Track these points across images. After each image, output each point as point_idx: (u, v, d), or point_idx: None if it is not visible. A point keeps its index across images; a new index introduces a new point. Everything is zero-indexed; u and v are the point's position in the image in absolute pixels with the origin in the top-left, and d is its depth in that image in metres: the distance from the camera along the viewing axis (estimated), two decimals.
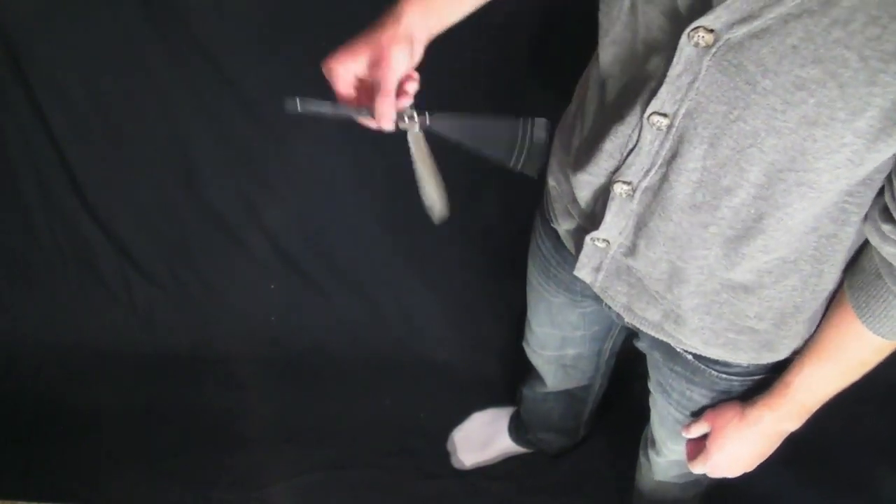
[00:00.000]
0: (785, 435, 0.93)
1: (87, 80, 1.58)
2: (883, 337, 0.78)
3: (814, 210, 0.71)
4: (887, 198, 0.70)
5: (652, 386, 1.09)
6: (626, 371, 1.41)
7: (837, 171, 0.66)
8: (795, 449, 1.65)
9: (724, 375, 0.93)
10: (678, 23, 0.66)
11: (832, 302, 0.84)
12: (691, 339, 0.89)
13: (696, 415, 1.01)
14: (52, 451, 1.75)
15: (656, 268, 0.83)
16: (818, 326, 0.85)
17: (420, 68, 0.83)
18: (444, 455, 1.73)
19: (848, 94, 0.59)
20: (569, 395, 1.43)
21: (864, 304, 0.78)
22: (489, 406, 1.75)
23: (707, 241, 0.77)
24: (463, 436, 1.73)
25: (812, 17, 0.58)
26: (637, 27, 0.71)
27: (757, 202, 0.72)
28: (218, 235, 1.80)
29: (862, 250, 0.79)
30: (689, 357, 0.94)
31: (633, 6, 0.71)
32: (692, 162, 0.71)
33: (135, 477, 1.71)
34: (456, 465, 1.71)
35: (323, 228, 1.79)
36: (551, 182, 0.96)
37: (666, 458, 1.19)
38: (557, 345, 1.27)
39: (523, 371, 1.50)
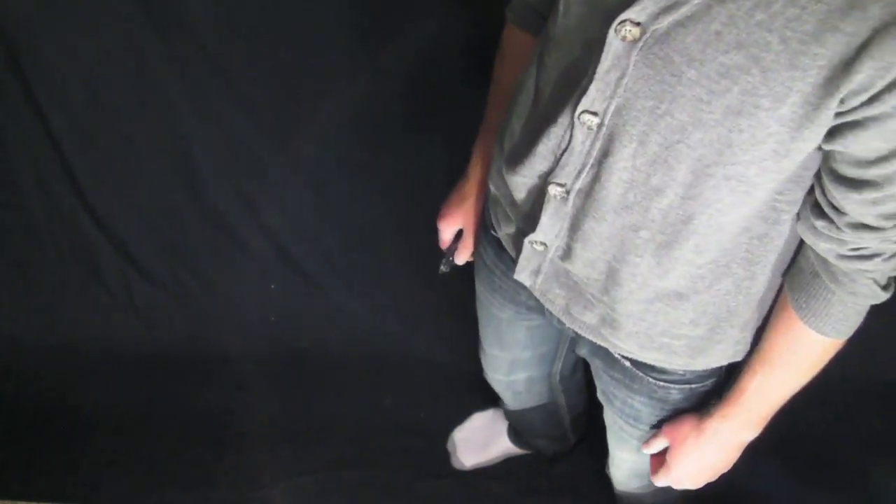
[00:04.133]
0: (744, 445, 0.92)
1: (87, 80, 1.58)
2: (826, 336, 0.78)
3: (744, 209, 0.72)
4: (817, 194, 0.71)
5: (599, 396, 1.09)
6: None
7: (764, 163, 0.66)
8: (795, 449, 1.66)
9: (660, 383, 0.93)
10: (607, 18, 0.66)
11: (776, 306, 0.84)
12: (627, 344, 0.89)
13: (640, 423, 1.01)
14: (52, 451, 1.75)
15: (595, 268, 0.83)
16: (766, 332, 0.85)
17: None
18: (444, 455, 1.73)
19: (770, 79, 0.60)
20: (540, 410, 1.43)
21: (804, 305, 0.78)
22: (489, 406, 1.75)
23: (639, 248, 0.77)
24: (463, 436, 1.73)
25: (735, 1, 0.59)
26: (571, 28, 0.73)
27: (686, 203, 0.72)
28: (218, 235, 1.80)
29: (798, 251, 0.79)
30: (627, 364, 0.94)
31: (567, 7, 0.73)
32: (622, 161, 0.72)
33: (135, 477, 1.71)
34: (456, 465, 1.71)
35: (323, 228, 1.79)
36: (492, 188, 0.96)
37: (619, 469, 1.20)
38: (506, 369, 1.28)
39: None
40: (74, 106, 1.62)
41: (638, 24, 0.64)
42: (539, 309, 1.00)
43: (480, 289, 1.15)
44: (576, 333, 0.95)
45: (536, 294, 0.94)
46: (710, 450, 0.93)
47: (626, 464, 1.16)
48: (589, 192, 0.77)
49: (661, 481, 1.01)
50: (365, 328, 1.87)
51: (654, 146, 0.69)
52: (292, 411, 1.79)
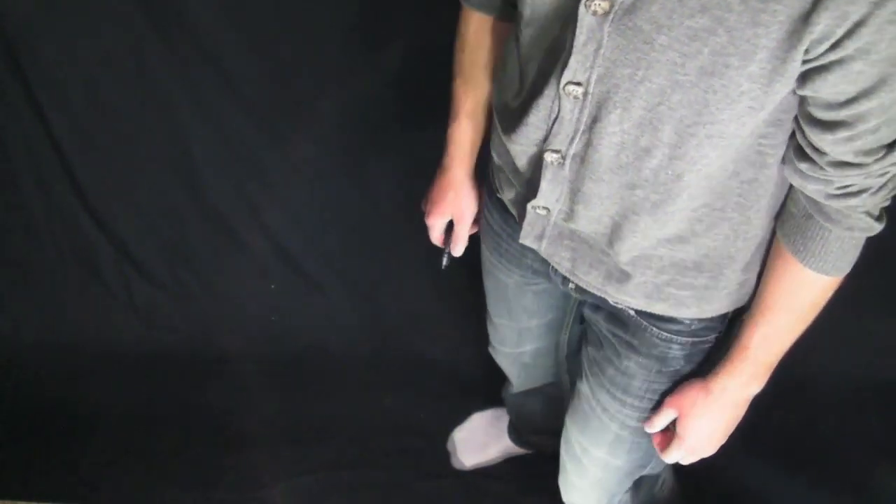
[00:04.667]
0: (750, 399, 0.94)
1: (87, 80, 1.58)
2: (827, 274, 0.80)
3: (730, 155, 0.75)
4: (798, 137, 0.73)
5: (586, 372, 1.08)
6: None
7: (742, 119, 0.70)
8: (795, 449, 1.66)
9: (664, 334, 0.94)
10: None
11: (771, 255, 0.86)
12: (635, 297, 0.91)
13: (628, 394, 1.00)
14: (52, 451, 1.75)
15: (600, 223, 0.86)
16: (761, 283, 0.87)
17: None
18: (444, 455, 1.73)
19: (736, 38, 0.64)
20: (543, 395, 1.44)
21: (801, 248, 0.80)
22: (489, 406, 1.75)
23: (636, 206, 0.81)
24: (464, 436, 1.73)
25: None
26: (544, 5, 0.76)
27: (673, 162, 0.75)
28: (218, 235, 1.80)
29: (787, 198, 0.82)
30: (632, 313, 0.95)
31: None
32: (611, 126, 0.75)
33: (135, 477, 1.70)
34: (456, 465, 1.71)
35: (323, 228, 1.79)
36: (494, 156, 0.99)
37: (583, 478, 1.17)
38: (515, 340, 1.29)
39: None
40: (74, 106, 1.62)
41: None
42: (545, 272, 1.02)
43: (487, 254, 1.16)
44: (581, 291, 0.97)
45: (543, 255, 0.97)
46: (721, 409, 0.93)
47: (594, 467, 1.13)
48: (584, 157, 0.80)
49: (673, 455, 0.99)
50: (365, 328, 1.87)
51: (638, 110, 0.73)
52: (292, 411, 1.79)
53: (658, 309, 0.92)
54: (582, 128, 0.78)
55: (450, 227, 1.16)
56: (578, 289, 0.98)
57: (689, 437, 0.96)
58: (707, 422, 0.95)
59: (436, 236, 1.18)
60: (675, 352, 0.96)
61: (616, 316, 0.98)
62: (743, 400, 0.93)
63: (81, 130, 1.65)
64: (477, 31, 0.99)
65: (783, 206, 0.83)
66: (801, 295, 0.83)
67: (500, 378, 1.51)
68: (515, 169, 0.91)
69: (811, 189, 0.75)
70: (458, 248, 1.17)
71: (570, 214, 0.87)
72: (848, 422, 1.70)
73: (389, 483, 1.68)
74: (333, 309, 1.87)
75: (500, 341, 1.34)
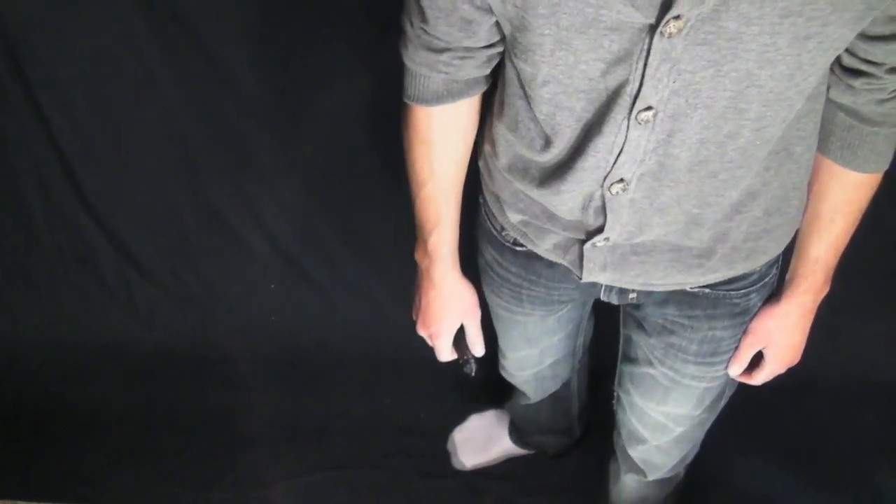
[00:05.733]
0: (818, 303, 0.97)
1: (87, 80, 1.57)
2: (877, 171, 0.85)
3: (805, 98, 0.75)
4: (848, 59, 0.74)
5: (655, 360, 1.06)
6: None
7: (829, 61, 0.70)
8: (795, 449, 1.66)
9: (741, 291, 0.95)
10: (634, 30, 0.66)
11: (817, 175, 0.88)
12: (718, 270, 0.91)
13: (717, 355, 1.01)
14: (52, 451, 1.75)
15: (672, 224, 0.84)
16: (813, 201, 0.90)
17: None
18: (444, 455, 1.73)
19: None
20: (552, 398, 1.44)
21: (851, 157, 0.84)
22: (489, 406, 1.75)
23: (718, 189, 0.79)
24: (464, 437, 1.73)
25: None
26: (571, 60, 0.71)
27: (761, 131, 0.74)
28: (218, 235, 1.80)
29: (824, 119, 0.83)
30: (707, 290, 0.95)
31: (558, 45, 0.70)
32: (691, 129, 0.73)
33: (135, 476, 1.71)
34: (456, 465, 1.71)
35: (323, 228, 1.79)
36: (513, 213, 0.94)
37: (668, 435, 1.16)
38: (535, 361, 1.27)
39: None
40: (74, 106, 1.61)
41: (678, 16, 0.64)
42: (572, 298, 1.02)
43: (503, 305, 1.12)
44: (645, 295, 0.97)
45: (606, 282, 0.94)
46: (799, 323, 0.97)
47: (680, 426, 1.13)
48: (657, 171, 0.78)
49: (762, 378, 1.03)
50: (365, 328, 1.87)
51: (721, 101, 0.70)
52: (292, 411, 1.79)
53: (739, 269, 0.92)
54: (653, 146, 0.75)
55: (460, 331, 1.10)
56: (640, 295, 0.97)
57: (774, 361, 1.00)
58: (791, 338, 0.98)
59: (448, 353, 1.12)
60: (754, 300, 0.97)
61: (687, 302, 0.97)
62: (814, 308, 0.97)
63: (81, 130, 1.65)
64: (440, 124, 0.88)
65: (822, 129, 0.84)
66: (857, 198, 0.87)
67: (498, 379, 1.50)
68: (553, 217, 0.88)
69: (863, 100, 0.78)
70: (480, 348, 1.11)
71: (638, 230, 0.85)
72: (848, 421, 1.70)
73: (389, 483, 1.68)
74: (333, 309, 1.87)
75: (518, 368, 1.31)
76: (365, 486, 1.68)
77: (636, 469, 1.27)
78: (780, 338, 0.98)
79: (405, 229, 1.73)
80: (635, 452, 1.24)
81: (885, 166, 0.85)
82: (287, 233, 1.80)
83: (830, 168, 0.86)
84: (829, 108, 0.82)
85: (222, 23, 1.47)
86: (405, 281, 1.85)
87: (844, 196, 0.88)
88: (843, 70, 0.76)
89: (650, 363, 1.07)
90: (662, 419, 1.13)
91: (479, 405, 1.76)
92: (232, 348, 1.88)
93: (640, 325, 1.06)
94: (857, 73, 0.75)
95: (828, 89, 0.79)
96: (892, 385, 1.74)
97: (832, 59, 0.70)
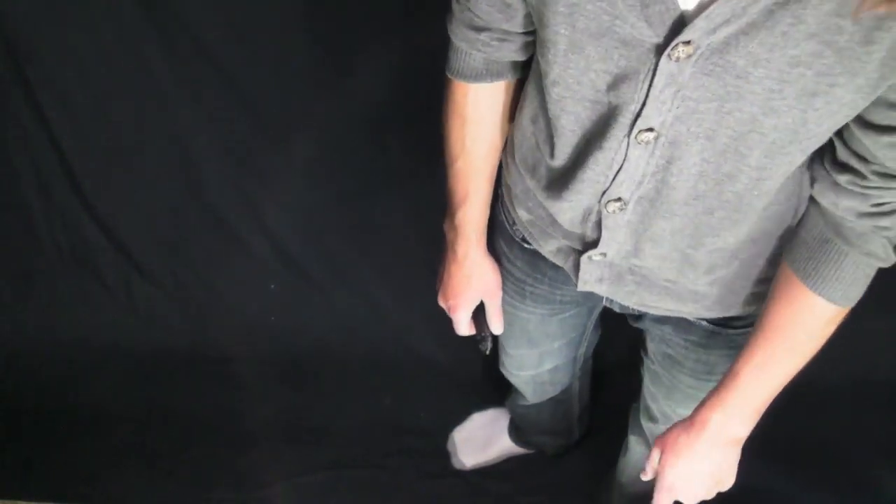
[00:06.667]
0: (738, 444, 0.88)
1: (87, 80, 1.58)
2: (836, 303, 0.77)
3: (810, 151, 0.72)
4: (839, 150, 0.71)
5: (656, 361, 1.07)
6: (620, 372, 1.41)
7: (837, 125, 0.67)
8: (796, 449, 1.66)
9: (741, 330, 0.93)
10: (643, 49, 0.66)
11: (775, 281, 0.82)
12: (712, 310, 0.89)
13: (714, 375, 0.97)
14: (52, 451, 1.75)
15: (666, 260, 0.83)
16: (766, 310, 0.82)
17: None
18: (444, 455, 1.73)
19: (846, 56, 0.59)
20: (552, 400, 1.44)
21: (812, 272, 0.77)
22: (489, 406, 1.75)
23: (715, 228, 0.78)
24: (464, 437, 1.73)
25: (799, 2, 0.58)
26: (582, 65, 0.71)
27: (761, 182, 0.72)
28: (218, 235, 1.80)
29: (800, 225, 0.80)
30: (704, 324, 0.93)
31: (571, 47, 0.70)
32: (690, 158, 0.72)
33: (135, 476, 1.71)
34: (456, 465, 1.71)
35: (323, 228, 1.79)
36: (522, 211, 0.95)
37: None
38: (535, 363, 1.27)
39: None
40: (74, 106, 1.62)
41: (688, 42, 0.63)
42: (576, 301, 1.01)
43: (506, 299, 1.11)
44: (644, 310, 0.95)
45: (603, 294, 0.93)
46: (705, 448, 0.87)
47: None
48: (654, 197, 0.77)
49: (657, 497, 0.92)
50: (365, 328, 1.87)
51: (723, 139, 0.69)
52: (292, 411, 1.79)
53: (735, 312, 0.90)
54: (652, 170, 0.74)
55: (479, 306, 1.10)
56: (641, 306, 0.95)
57: (667, 475, 0.89)
58: (688, 461, 0.88)
59: (465, 328, 1.12)
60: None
61: (684, 327, 0.96)
62: (727, 441, 0.87)
63: (81, 130, 1.65)
64: (476, 101, 0.91)
65: (794, 234, 0.81)
66: (804, 324, 0.80)
67: (498, 379, 1.51)
68: (555, 223, 0.88)
69: (844, 205, 0.73)
70: (499, 325, 1.12)
71: (634, 251, 0.84)
72: (848, 422, 1.70)
73: (389, 483, 1.68)
74: (333, 309, 1.87)
75: (517, 367, 1.32)
76: (365, 486, 1.68)
77: (645, 441, 1.28)
78: (679, 452, 0.88)
79: (405, 229, 1.74)
80: (646, 423, 1.24)
81: (846, 302, 0.77)
82: (287, 233, 1.80)
83: (789, 278, 0.79)
84: (811, 212, 0.78)
85: (222, 23, 1.47)
86: (405, 281, 1.86)
87: (792, 315, 0.80)
88: (832, 163, 0.73)
89: (653, 362, 1.09)
90: (669, 410, 1.15)
91: (480, 405, 1.76)
92: (232, 348, 1.88)
93: (642, 330, 1.08)
94: (843, 168, 0.71)
95: (812, 184, 0.76)
96: (893, 385, 1.73)
97: (839, 125, 0.67)
